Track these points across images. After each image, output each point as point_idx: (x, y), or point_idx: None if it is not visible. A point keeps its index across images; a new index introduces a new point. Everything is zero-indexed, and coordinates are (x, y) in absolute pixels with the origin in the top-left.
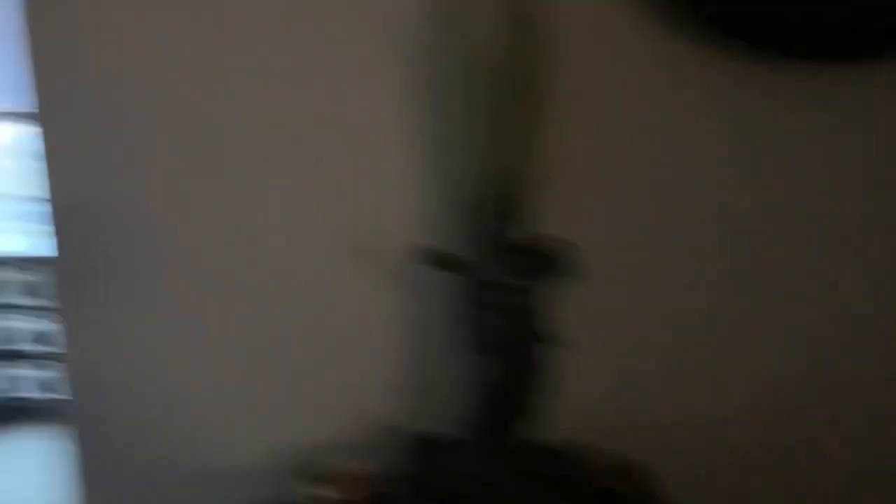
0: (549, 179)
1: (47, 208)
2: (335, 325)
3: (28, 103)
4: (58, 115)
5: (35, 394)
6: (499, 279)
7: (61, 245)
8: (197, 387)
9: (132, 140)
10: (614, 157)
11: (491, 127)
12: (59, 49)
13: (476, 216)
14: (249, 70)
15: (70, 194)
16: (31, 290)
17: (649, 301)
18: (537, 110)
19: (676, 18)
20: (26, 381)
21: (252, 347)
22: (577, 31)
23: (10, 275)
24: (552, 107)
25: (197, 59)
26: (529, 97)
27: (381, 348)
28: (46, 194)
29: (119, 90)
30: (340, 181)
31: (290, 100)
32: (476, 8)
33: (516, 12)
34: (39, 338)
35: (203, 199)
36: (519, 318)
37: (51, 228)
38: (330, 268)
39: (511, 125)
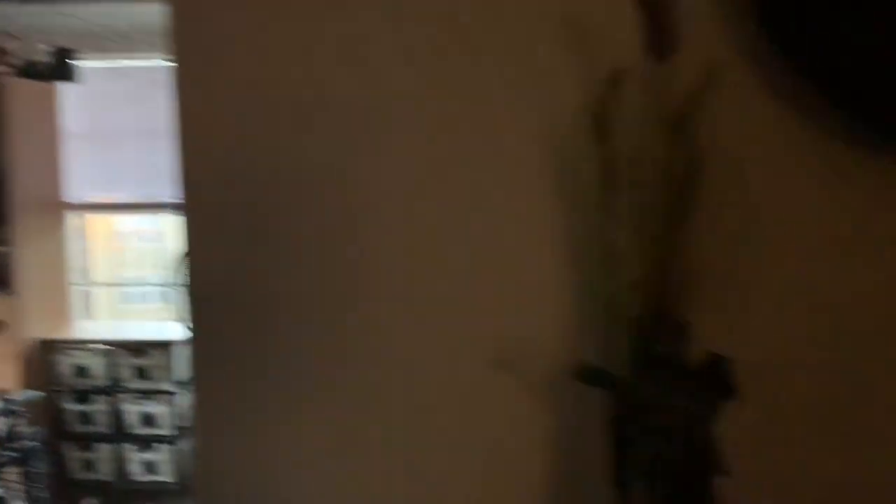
0: (707, 292)
1: (181, 294)
2: (479, 441)
3: (174, 195)
4: (201, 206)
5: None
6: (658, 399)
7: (197, 329)
8: (319, 488)
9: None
10: (773, 269)
11: (646, 236)
12: (205, 145)
13: (633, 331)
14: (397, 177)
15: (207, 281)
16: (142, 374)
17: (815, 422)
18: (692, 221)
19: (846, 127)
20: (135, 462)
21: (387, 456)
22: (731, 138)
23: (123, 359)
24: (705, 216)
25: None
26: (684, 208)
27: (528, 470)
28: (184, 280)
29: (258, 190)
30: (491, 294)
31: (443, 212)
32: (628, 115)
33: (670, 120)
34: (148, 420)
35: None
36: (682, 442)
37: (187, 313)
38: (476, 381)
39: (665, 235)
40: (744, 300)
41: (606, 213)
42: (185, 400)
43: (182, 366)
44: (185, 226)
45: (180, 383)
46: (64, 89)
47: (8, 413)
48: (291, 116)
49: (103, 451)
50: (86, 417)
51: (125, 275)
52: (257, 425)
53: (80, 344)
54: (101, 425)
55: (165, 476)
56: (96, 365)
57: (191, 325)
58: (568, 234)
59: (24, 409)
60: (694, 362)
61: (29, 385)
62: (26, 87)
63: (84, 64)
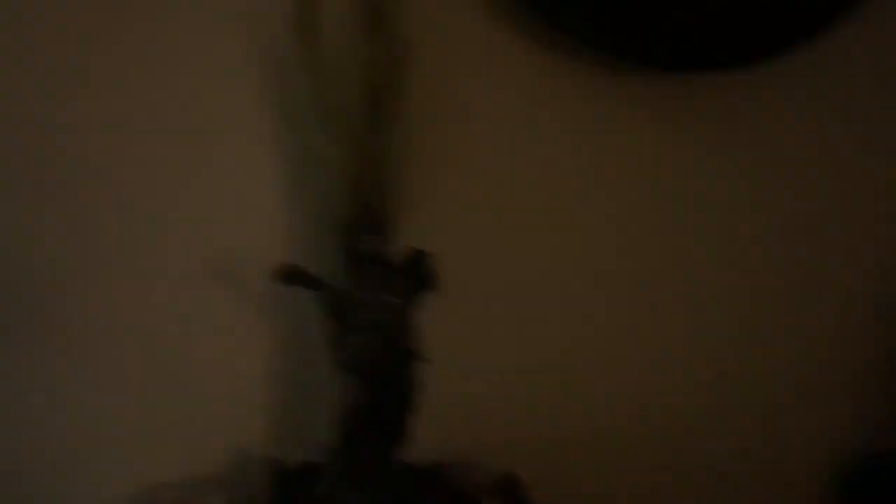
0: (414, 191)
1: None
2: (201, 357)
3: None
4: None
5: None
6: (366, 296)
7: None
8: (60, 427)
9: None
10: (478, 168)
11: (350, 139)
12: None
13: (340, 231)
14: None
15: None
16: None
17: (516, 313)
18: (396, 121)
19: (544, 31)
20: None
21: (116, 387)
22: (436, 39)
23: None
24: (414, 117)
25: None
26: (388, 108)
27: (249, 377)
28: None
29: None
30: (202, 205)
31: (146, 120)
32: (332, 16)
33: (372, 21)
34: None
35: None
36: (388, 335)
37: None
38: (192, 295)
39: (370, 136)
40: (451, 200)
41: (315, 114)
42: None
43: None
44: None
45: None
46: None
47: None
48: None
49: None
50: None
51: None
52: None
53: None
54: None
55: None
56: None
57: None
58: (277, 137)
59: None
60: (398, 259)
61: None
62: None
63: None
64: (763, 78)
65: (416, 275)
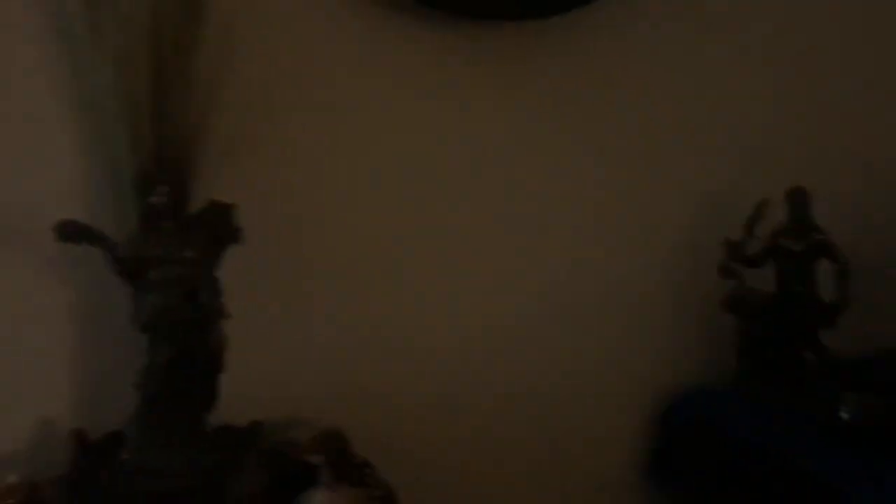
0: (213, 146)
1: None
2: None
3: None
4: None
5: None
6: (161, 252)
7: None
8: None
9: None
10: (295, 120)
11: (138, 90)
12: None
13: (133, 185)
14: None
15: None
16: None
17: (336, 267)
18: (192, 71)
19: None
20: None
21: None
22: None
23: None
24: (210, 70)
25: None
26: (182, 58)
27: (47, 344)
28: None
29: None
30: None
31: None
32: None
33: None
34: None
35: None
36: (186, 292)
37: None
38: None
39: (160, 87)
40: (257, 152)
41: (101, 62)
42: None
43: None
44: None
45: None
46: None
47: None
48: None
49: None
50: None
51: None
52: None
53: None
54: None
55: None
56: None
57: None
58: (67, 89)
59: None
60: (196, 212)
61: None
62: None
63: None
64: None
65: (216, 228)
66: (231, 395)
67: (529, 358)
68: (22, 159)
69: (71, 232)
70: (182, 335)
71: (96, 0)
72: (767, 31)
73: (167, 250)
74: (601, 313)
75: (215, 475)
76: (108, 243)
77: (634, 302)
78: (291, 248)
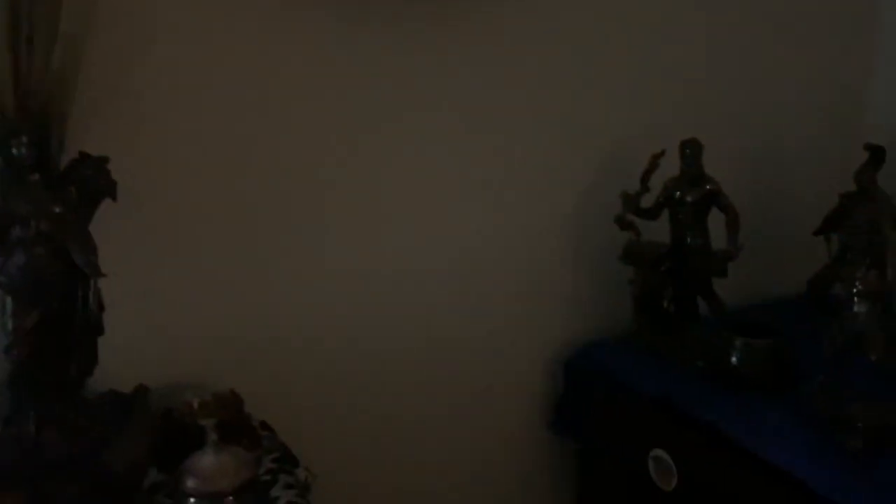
0: (86, 99)
1: None
2: None
3: None
4: None
5: None
6: (26, 207)
7: None
8: None
9: None
10: (154, 73)
11: (4, 42)
12: None
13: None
14: None
15: None
16: None
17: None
18: (54, 24)
19: None
20: None
21: None
22: None
23: None
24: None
25: None
26: (44, 9)
27: None
28: None
29: None
30: None
31: None
32: None
33: None
34: None
35: None
36: (54, 250)
37: None
38: None
39: (28, 40)
40: (133, 106)
41: None
42: None
43: None
44: None
45: None
46: None
47: None
48: None
49: None
50: None
51: None
52: None
53: None
54: None
55: None
56: None
57: None
58: None
59: None
60: (66, 166)
61: None
62: None
63: None
64: None
65: (88, 183)
66: (116, 360)
67: (433, 312)
68: None
69: None
70: (51, 296)
71: None
72: None
73: (33, 205)
74: (503, 266)
75: (97, 443)
76: None
77: (535, 256)
78: (171, 204)
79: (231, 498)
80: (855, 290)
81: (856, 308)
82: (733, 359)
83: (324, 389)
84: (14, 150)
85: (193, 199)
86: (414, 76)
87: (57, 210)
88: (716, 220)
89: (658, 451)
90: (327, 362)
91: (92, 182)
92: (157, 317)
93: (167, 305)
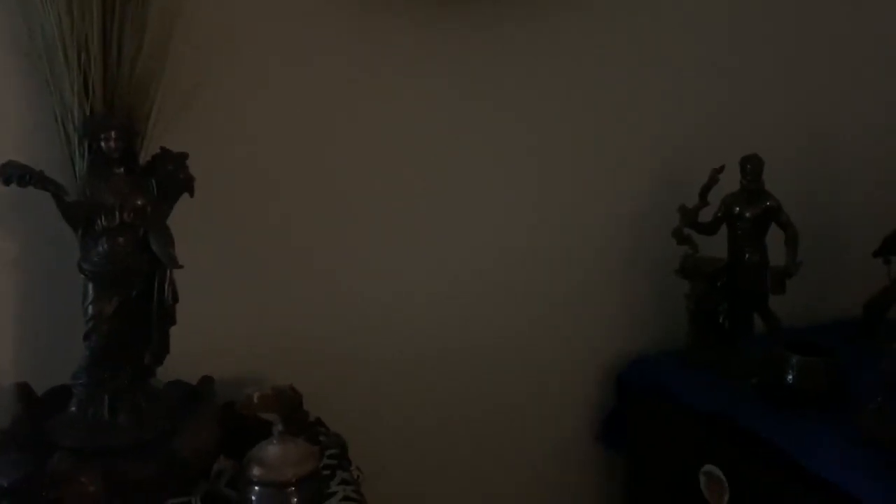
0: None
1: None
2: None
3: None
4: None
5: None
6: (110, 199)
7: None
8: None
9: None
10: (234, 75)
11: (96, 38)
12: None
13: (83, 131)
14: None
15: None
16: None
17: (289, 219)
18: (143, 21)
19: None
20: None
21: None
22: None
23: None
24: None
25: None
26: (134, 6)
27: None
28: None
29: None
30: None
31: None
32: None
33: None
34: None
35: None
36: (136, 241)
37: None
38: None
39: (117, 36)
40: (213, 104)
41: (60, 11)
42: None
43: None
44: None
45: None
46: None
47: None
48: None
49: None
50: None
51: None
52: None
53: None
54: None
55: None
56: None
57: None
58: (23, 38)
59: None
60: (148, 160)
61: None
62: None
63: None
64: None
65: (168, 177)
66: (182, 351)
67: (486, 323)
68: None
69: (16, 174)
70: (130, 285)
71: None
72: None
73: (118, 197)
74: (557, 278)
75: (166, 429)
76: (57, 187)
77: (590, 268)
78: (245, 201)
79: (293, 488)
80: None
81: None
82: (789, 376)
83: (373, 391)
84: (103, 144)
85: (262, 199)
86: (476, 82)
87: (139, 202)
88: (772, 238)
89: (710, 467)
90: (378, 364)
91: (172, 177)
92: (220, 309)
93: (230, 299)
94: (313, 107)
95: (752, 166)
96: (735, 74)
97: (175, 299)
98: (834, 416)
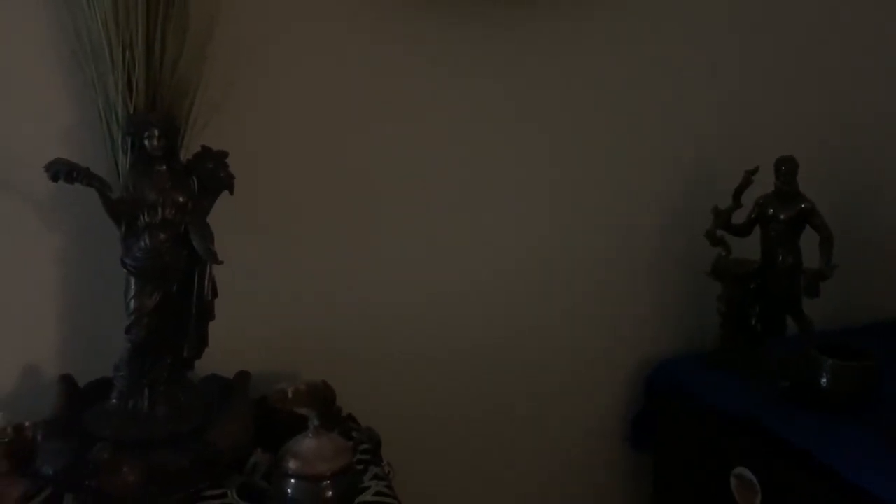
0: (206, 95)
1: None
2: None
3: None
4: None
5: None
6: (153, 196)
7: None
8: None
9: None
10: (268, 74)
11: (140, 38)
12: None
13: (127, 129)
14: None
15: None
16: None
17: (330, 218)
18: (185, 21)
19: None
20: None
21: None
22: None
23: None
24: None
25: None
26: (176, 7)
27: (34, 288)
28: None
29: None
30: None
31: None
32: None
33: None
34: None
35: None
36: (176, 237)
37: None
38: None
39: (161, 36)
40: (250, 103)
41: (105, 12)
42: None
43: None
44: None
45: None
46: None
47: None
48: None
49: None
50: None
51: None
52: None
53: None
54: None
55: None
56: None
57: None
58: (68, 38)
59: None
60: (189, 158)
61: None
62: None
63: None
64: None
65: (209, 175)
66: (218, 347)
67: (514, 322)
68: (17, 106)
69: (63, 170)
70: (171, 280)
71: None
72: (759, 2)
73: (160, 194)
74: (588, 278)
75: (203, 422)
76: (102, 184)
77: (622, 268)
78: (281, 200)
79: (328, 482)
80: None
81: None
82: (823, 379)
83: (402, 389)
84: (146, 142)
85: (298, 197)
86: (502, 82)
87: (181, 199)
88: (806, 240)
89: (741, 469)
90: (407, 362)
91: (213, 174)
92: (255, 306)
93: (265, 296)
94: (346, 107)
95: (786, 168)
96: (770, 74)
97: (214, 295)
98: (868, 420)
